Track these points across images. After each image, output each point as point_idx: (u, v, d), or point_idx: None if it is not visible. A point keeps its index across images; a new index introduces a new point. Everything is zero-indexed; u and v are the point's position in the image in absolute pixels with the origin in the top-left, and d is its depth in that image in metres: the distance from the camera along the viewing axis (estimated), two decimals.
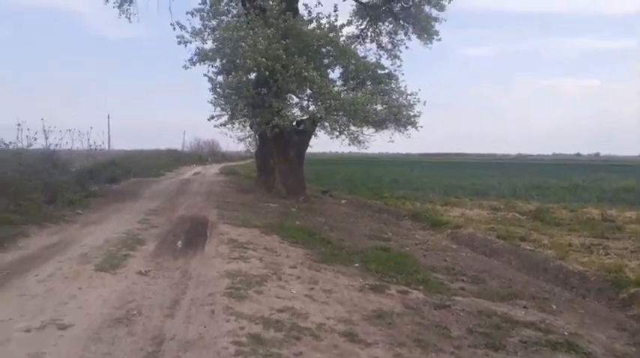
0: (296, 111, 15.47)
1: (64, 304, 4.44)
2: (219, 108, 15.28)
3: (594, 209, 16.18)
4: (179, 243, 7.61)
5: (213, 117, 15.37)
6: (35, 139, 12.92)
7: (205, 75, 14.79)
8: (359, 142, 15.48)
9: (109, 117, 35.64)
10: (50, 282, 5.12)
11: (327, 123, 14.59)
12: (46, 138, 13.80)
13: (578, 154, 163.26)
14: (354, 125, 14.53)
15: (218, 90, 14.48)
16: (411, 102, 14.73)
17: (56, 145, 14.40)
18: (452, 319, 5.14)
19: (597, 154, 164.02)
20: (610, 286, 7.28)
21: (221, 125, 15.46)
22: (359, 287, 5.69)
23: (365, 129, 15.04)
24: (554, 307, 6.22)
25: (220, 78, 14.57)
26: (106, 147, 26.71)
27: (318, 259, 7.12)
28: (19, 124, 12.49)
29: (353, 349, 3.65)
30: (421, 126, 15.03)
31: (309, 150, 16.80)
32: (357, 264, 7.24)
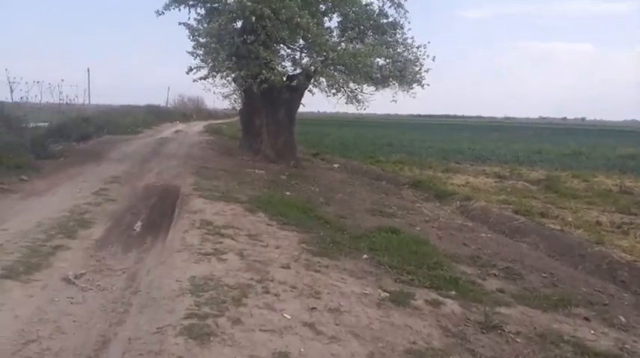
0: (288, 64, 13.62)
1: None
2: (198, 59, 13.42)
3: (606, 178, 15.17)
4: (137, 226, 5.86)
5: (191, 70, 13.49)
6: None
7: (180, 23, 12.82)
8: (357, 101, 13.63)
9: (89, 70, 32.95)
10: None
11: (323, 79, 12.75)
12: (11, 90, 11.99)
13: (564, 118, 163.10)
14: (353, 81, 12.67)
15: (198, 38, 12.60)
16: (418, 56, 12.89)
17: (21, 98, 12.77)
18: (510, 352, 3.66)
19: (583, 119, 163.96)
20: None
21: (200, 79, 13.60)
22: (376, 301, 4.12)
23: (365, 86, 13.19)
24: (623, 319, 4.80)
25: (200, 25, 12.66)
26: (84, 102, 24.70)
27: (317, 250, 5.49)
28: None
29: None
30: (428, 85, 13.26)
31: None
32: (365, 256, 5.69)
